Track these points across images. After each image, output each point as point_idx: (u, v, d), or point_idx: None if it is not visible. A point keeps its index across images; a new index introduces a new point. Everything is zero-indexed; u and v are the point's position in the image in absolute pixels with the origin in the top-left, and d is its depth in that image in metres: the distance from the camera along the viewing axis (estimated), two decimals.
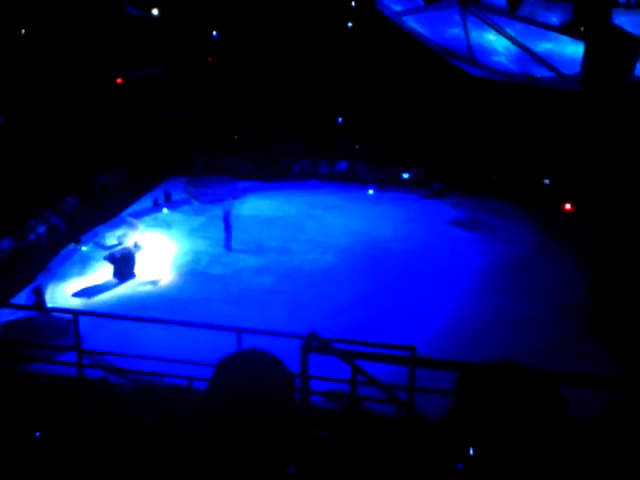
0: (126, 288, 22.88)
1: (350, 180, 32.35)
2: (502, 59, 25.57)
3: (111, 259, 23.34)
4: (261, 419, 3.69)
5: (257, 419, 3.68)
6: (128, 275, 23.27)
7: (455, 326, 20.07)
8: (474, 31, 24.82)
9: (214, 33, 36.63)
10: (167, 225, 27.72)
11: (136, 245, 24.25)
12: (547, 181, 29.90)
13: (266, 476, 3.64)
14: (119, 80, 35.04)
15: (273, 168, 33.13)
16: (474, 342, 18.52)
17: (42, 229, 25.43)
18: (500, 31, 24.26)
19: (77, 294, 22.30)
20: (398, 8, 27.76)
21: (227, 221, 25.42)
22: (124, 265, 23.26)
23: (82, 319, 15.83)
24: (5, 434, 12.14)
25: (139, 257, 23.90)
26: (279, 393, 3.79)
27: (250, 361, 3.89)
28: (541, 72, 25.01)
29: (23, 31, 33.07)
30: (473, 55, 26.17)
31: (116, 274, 23.17)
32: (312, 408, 8.89)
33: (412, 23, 27.91)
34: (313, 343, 7.51)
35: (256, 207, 29.61)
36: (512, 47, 24.70)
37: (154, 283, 23.15)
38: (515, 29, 24.45)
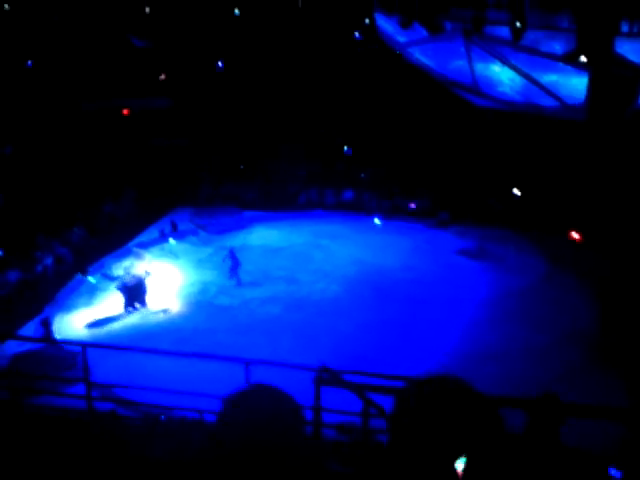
0: (135, 318, 22.99)
1: (356, 209, 32.37)
2: (507, 90, 25.70)
3: (122, 288, 23.49)
4: (271, 455, 3.69)
5: (267, 455, 3.68)
6: (138, 304, 23.41)
7: (464, 355, 20.03)
8: (479, 63, 25.02)
9: (219, 63, 36.87)
10: (174, 255, 27.77)
11: (146, 275, 24.35)
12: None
13: None
14: (125, 111, 35.25)
15: (279, 197, 33.21)
16: (483, 372, 18.41)
17: (49, 260, 25.49)
18: (505, 62, 24.43)
19: (85, 325, 22.39)
20: (402, 39, 27.97)
21: (234, 257, 25.46)
22: (135, 294, 23.43)
23: (90, 350, 15.91)
24: (13, 467, 12.14)
25: (149, 287, 24.00)
26: (288, 429, 3.80)
27: (258, 397, 3.90)
28: (545, 102, 25.14)
29: (30, 62, 33.33)
30: (478, 86, 26.32)
31: (127, 303, 23.31)
32: (324, 441, 8.89)
33: (417, 54, 28.09)
34: (325, 376, 7.53)
35: (263, 237, 29.64)
36: (517, 78, 24.85)
37: (162, 313, 23.24)
38: (519, 60, 24.63)
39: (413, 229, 30.46)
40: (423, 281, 25.24)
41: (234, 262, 25.46)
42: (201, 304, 23.90)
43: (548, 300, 23.89)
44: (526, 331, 21.66)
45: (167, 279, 25.51)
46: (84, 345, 16.63)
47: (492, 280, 25.60)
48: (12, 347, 19.61)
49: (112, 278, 25.31)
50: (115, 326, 22.39)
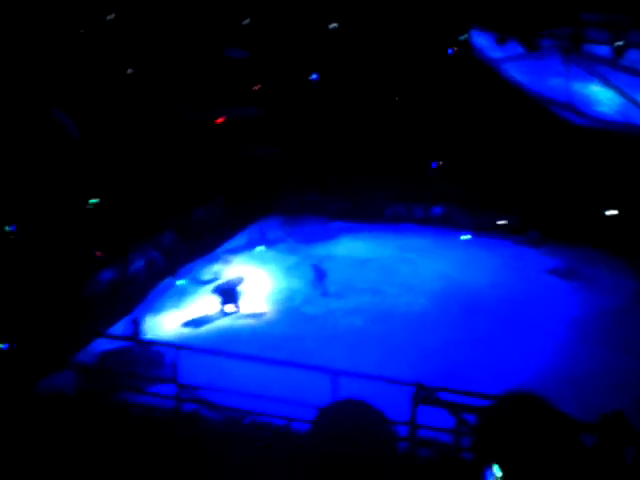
0: (224, 321, 23.48)
1: (444, 224, 32.17)
2: (605, 109, 25.26)
3: (218, 290, 24.23)
4: (362, 470, 3.73)
5: (358, 470, 3.71)
6: (232, 307, 23.89)
7: (551, 375, 19.69)
8: (577, 81, 24.68)
9: (314, 75, 37.10)
10: (262, 262, 28.09)
11: (240, 280, 24.78)
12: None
13: None
14: (219, 120, 35.71)
15: (367, 209, 33.25)
16: (570, 392, 18.05)
17: (141, 262, 26.08)
18: (604, 81, 24.06)
19: (175, 326, 22.85)
20: (498, 55, 27.82)
21: (319, 268, 25.71)
22: (229, 298, 24.03)
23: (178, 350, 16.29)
24: (97, 460, 12.47)
25: (242, 291, 24.48)
26: (381, 445, 3.82)
27: (350, 412, 3.92)
28: None
29: (130, 70, 33.99)
30: (574, 105, 25.97)
31: (222, 305, 23.95)
32: (416, 457, 8.87)
33: (512, 71, 27.90)
34: (422, 394, 7.55)
35: (349, 248, 29.74)
36: (616, 97, 24.43)
37: (252, 318, 23.61)
38: (619, 79, 24.21)
39: (502, 246, 30.08)
40: (512, 299, 24.93)
41: (320, 272, 25.65)
42: (288, 311, 24.15)
43: (639, 322, 23.35)
44: (615, 353, 21.20)
45: (256, 285, 25.82)
46: (175, 347, 17.02)
47: (582, 300, 25.10)
48: (102, 345, 20.13)
49: (201, 282, 25.81)
50: (204, 328, 22.83)
